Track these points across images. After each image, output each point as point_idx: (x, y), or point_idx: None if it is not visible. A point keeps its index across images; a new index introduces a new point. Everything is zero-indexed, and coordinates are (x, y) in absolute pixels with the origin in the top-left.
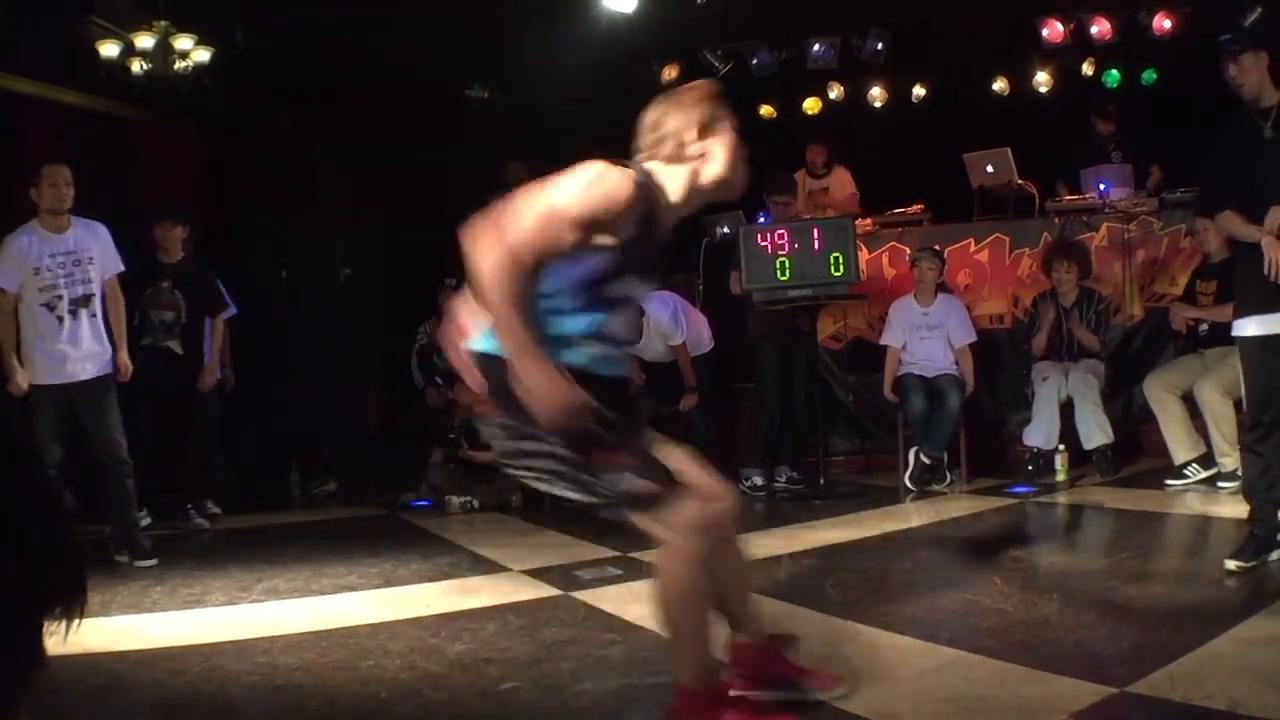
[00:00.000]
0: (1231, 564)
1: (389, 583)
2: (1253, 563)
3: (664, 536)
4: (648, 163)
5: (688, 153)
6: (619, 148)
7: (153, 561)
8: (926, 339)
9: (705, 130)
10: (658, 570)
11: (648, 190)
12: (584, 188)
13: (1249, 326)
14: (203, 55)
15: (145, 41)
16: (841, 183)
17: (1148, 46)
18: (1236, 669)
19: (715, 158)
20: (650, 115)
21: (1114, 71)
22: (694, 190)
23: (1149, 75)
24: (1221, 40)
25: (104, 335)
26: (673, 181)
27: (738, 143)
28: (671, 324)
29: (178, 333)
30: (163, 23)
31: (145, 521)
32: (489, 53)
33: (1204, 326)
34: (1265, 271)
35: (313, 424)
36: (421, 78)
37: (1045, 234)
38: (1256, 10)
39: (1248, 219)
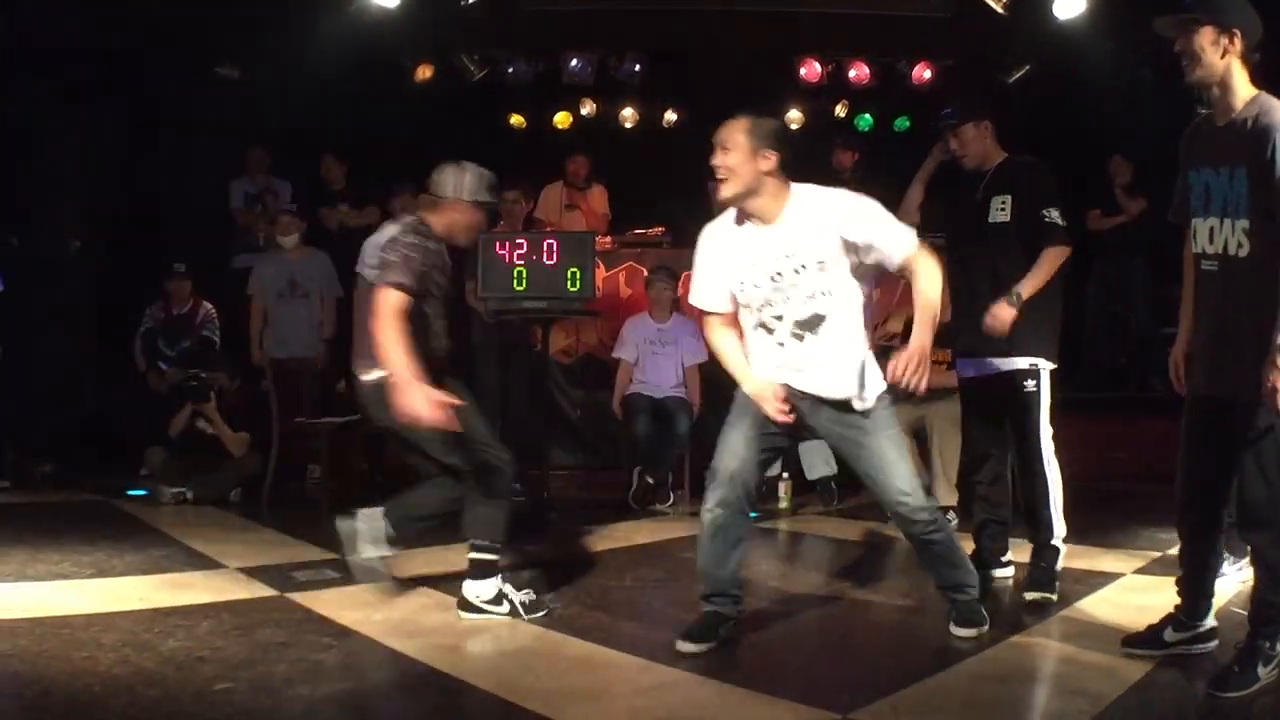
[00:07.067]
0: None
1: (103, 573)
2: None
3: None
4: None
5: None
6: (360, 139)
7: None
8: (659, 355)
9: None
10: None
11: None
12: None
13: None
14: None
15: None
16: (599, 199)
17: (905, 95)
18: (965, 704)
19: None
20: None
21: (867, 116)
22: None
23: (902, 122)
24: (940, 115)
25: None
26: None
27: None
28: None
29: None
30: None
31: None
32: (245, 32)
33: None
34: None
35: (32, 401)
36: (172, 48)
37: None
38: (1024, 68)
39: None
